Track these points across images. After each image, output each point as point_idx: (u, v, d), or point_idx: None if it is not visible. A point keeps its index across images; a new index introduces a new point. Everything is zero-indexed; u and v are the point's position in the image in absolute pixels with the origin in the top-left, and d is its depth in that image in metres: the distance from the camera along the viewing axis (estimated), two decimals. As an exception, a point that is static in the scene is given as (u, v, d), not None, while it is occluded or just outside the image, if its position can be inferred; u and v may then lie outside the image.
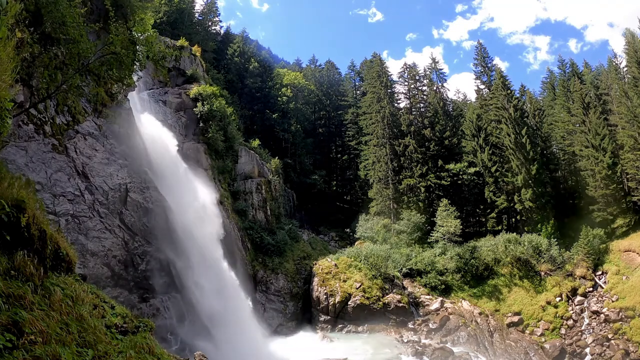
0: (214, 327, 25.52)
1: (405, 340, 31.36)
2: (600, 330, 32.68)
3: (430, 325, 34.37)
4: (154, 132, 29.68)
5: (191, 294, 25.07)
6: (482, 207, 50.61)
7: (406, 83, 58.48)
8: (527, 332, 34.60)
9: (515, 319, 35.55)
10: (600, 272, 37.48)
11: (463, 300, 37.46)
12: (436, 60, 61.33)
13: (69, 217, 19.50)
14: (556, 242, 40.33)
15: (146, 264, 23.83)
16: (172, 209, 25.91)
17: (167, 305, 24.35)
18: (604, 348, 31.20)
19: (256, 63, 67.88)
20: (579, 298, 36.07)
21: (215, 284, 26.85)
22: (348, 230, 54.44)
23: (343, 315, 34.81)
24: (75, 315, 5.78)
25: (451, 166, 49.81)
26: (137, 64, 11.26)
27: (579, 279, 37.40)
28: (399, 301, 35.43)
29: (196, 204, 29.47)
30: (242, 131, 50.58)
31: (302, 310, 36.58)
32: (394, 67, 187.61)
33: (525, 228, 44.99)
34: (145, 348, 6.89)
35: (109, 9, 14.67)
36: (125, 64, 10.50)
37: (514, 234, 42.35)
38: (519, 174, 45.55)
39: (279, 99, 67.78)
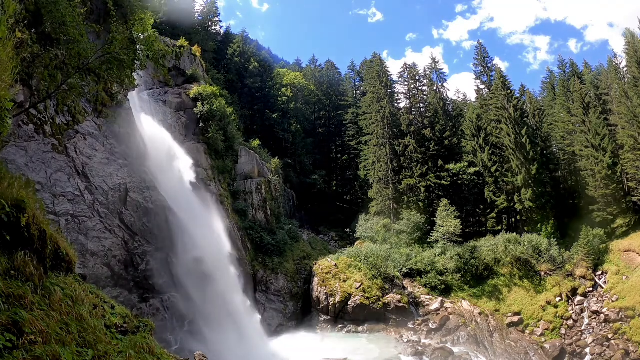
0: (215, 328, 25.53)
1: (405, 340, 31.36)
2: (600, 330, 32.67)
3: (430, 325, 34.36)
4: (155, 135, 29.62)
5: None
6: (482, 207, 50.59)
7: (406, 83, 58.46)
8: (527, 332, 34.60)
9: (515, 319, 35.54)
10: (600, 272, 37.48)
11: (463, 300, 37.46)
12: (436, 60, 61.34)
13: (69, 217, 19.50)
14: (556, 242, 40.33)
15: (146, 264, 23.84)
16: (189, 253, 25.77)
17: (167, 305, 24.36)
18: (604, 348, 31.20)
19: (256, 63, 67.87)
20: (579, 298, 36.06)
21: (235, 333, 26.52)
22: (348, 230, 54.42)
23: (343, 315, 34.80)
24: (75, 315, 5.78)
25: (451, 166, 49.81)
26: (137, 63, 11.27)
27: (579, 279, 37.40)
28: (399, 301, 35.42)
29: (215, 247, 29.22)
30: (242, 131, 50.55)
31: (302, 310, 36.56)
32: (394, 67, 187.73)
33: (525, 228, 44.99)
34: (145, 348, 6.89)
35: (110, 8, 14.68)
36: (125, 63, 10.51)
37: (514, 234, 42.34)
38: (519, 174, 45.55)
39: (279, 99, 67.73)
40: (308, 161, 67.01)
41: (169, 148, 30.59)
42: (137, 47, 11.23)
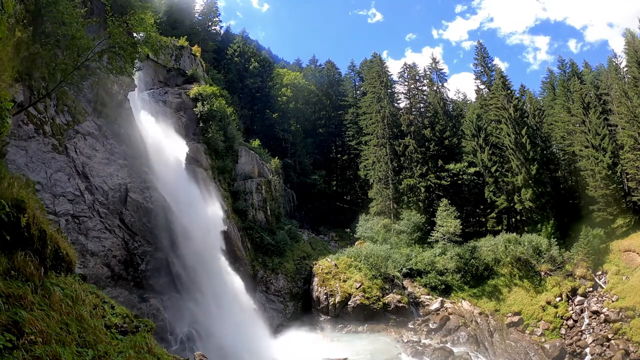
0: (215, 328, 25.51)
1: (405, 340, 31.34)
2: (600, 330, 32.66)
3: (430, 325, 34.34)
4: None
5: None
6: (482, 207, 50.55)
7: (406, 83, 58.43)
8: (527, 332, 34.58)
9: (515, 319, 35.53)
10: (600, 272, 37.46)
11: (463, 300, 37.44)
12: (436, 60, 61.25)
13: (69, 217, 19.50)
14: (556, 242, 40.29)
15: (146, 264, 23.83)
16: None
17: (167, 305, 24.35)
18: (604, 348, 31.18)
19: (256, 63, 67.85)
20: (579, 298, 36.05)
21: (235, 333, 26.63)
22: (348, 230, 54.39)
23: (343, 315, 34.79)
24: (75, 315, 5.78)
25: (451, 166, 49.78)
26: (137, 55, 11.33)
27: (579, 279, 37.39)
28: (399, 301, 35.42)
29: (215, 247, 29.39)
30: (242, 131, 50.54)
31: (302, 310, 36.55)
32: (394, 67, 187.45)
33: (525, 228, 44.95)
34: (145, 348, 6.89)
35: (107, 9, 14.70)
36: (125, 55, 10.54)
37: (514, 234, 42.32)
38: (519, 174, 45.53)
39: (278, 99, 67.73)
40: (308, 161, 66.93)
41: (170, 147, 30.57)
42: (136, 37, 11.27)
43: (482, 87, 58.74)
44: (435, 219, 44.57)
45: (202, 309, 25.86)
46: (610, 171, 41.70)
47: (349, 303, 34.95)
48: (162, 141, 29.95)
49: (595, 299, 35.21)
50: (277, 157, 51.10)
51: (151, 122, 30.52)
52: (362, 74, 76.00)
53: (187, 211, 27.17)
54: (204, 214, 30.08)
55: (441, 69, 61.16)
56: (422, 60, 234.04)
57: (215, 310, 26.52)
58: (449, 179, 49.10)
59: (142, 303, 22.79)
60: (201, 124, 38.25)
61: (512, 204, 46.59)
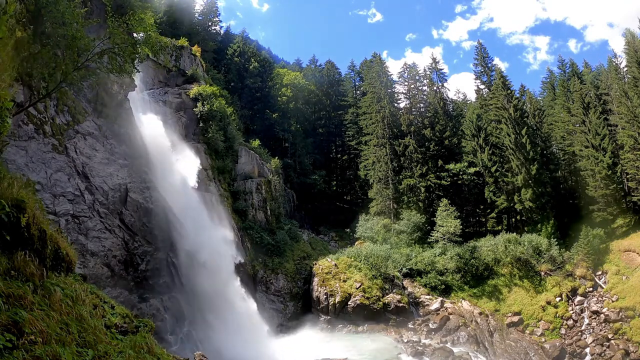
0: (215, 328, 25.52)
1: (405, 340, 31.34)
2: (600, 330, 32.67)
3: (430, 325, 34.34)
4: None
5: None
6: (482, 207, 50.55)
7: (406, 83, 58.42)
8: (527, 332, 34.58)
9: (515, 319, 35.53)
10: (600, 272, 37.47)
11: (463, 300, 37.44)
12: (436, 60, 61.01)
13: (69, 217, 19.50)
14: (556, 242, 40.28)
15: (146, 264, 23.84)
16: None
17: (167, 305, 24.35)
18: (604, 348, 31.19)
19: (256, 63, 67.80)
20: (579, 298, 36.06)
21: (235, 333, 26.68)
22: (348, 230, 54.38)
23: (343, 315, 34.79)
24: (75, 315, 5.78)
25: (451, 166, 49.77)
26: (137, 55, 11.34)
27: (579, 279, 37.39)
28: (399, 301, 35.41)
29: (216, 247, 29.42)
30: (242, 131, 50.55)
31: (302, 310, 36.55)
32: (394, 67, 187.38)
33: (525, 228, 44.94)
34: (145, 348, 6.89)
35: (108, 10, 14.71)
36: (125, 55, 10.56)
37: (514, 234, 42.30)
38: (519, 174, 45.53)
39: (278, 99, 67.72)
40: (308, 161, 66.88)
41: (170, 147, 30.49)
42: (136, 37, 11.29)
43: (482, 87, 58.70)
44: (435, 219, 44.55)
45: (202, 308, 25.86)
46: (610, 171, 41.71)
47: (349, 303, 34.95)
48: (171, 158, 29.74)
49: (595, 299, 35.22)
50: (277, 157, 51.10)
51: (159, 129, 30.24)
52: (362, 74, 75.92)
53: (195, 240, 26.89)
54: (216, 242, 29.82)
55: (441, 69, 61.08)
56: (422, 60, 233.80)
57: (216, 309, 26.54)
58: (449, 179, 49.10)
59: (142, 303, 22.80)
60: (201, 124, 38.26)
61: (512, 204, 46.59)
